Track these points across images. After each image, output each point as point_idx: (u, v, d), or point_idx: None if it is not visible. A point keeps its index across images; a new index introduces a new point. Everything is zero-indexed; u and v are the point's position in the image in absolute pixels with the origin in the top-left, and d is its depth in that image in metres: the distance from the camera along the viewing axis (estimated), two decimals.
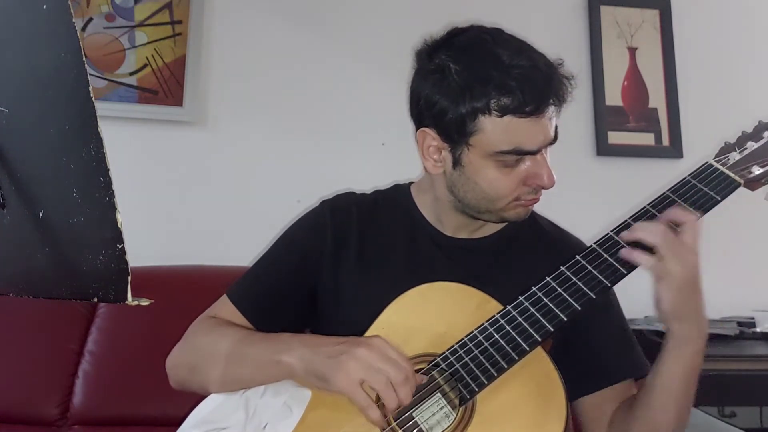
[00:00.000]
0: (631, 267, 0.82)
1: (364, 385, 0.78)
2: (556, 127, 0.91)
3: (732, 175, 0.84)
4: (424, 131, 0.93)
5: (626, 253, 0.80)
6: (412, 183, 1.08)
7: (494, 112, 0.85)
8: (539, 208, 1.10)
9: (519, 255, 1.01)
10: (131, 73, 1.94)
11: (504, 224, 1.02)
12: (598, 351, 0.95)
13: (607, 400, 0.94)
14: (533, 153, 0.88)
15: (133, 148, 1.91)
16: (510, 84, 0.84)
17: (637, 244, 0.80)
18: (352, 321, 0.92)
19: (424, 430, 0.81)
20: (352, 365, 0.78)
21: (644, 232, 0.79)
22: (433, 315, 0.89)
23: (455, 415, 0.81)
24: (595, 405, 0.95)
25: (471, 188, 0.92)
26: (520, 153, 0.87)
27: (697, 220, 0.80)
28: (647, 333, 1.84)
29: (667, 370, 0.84)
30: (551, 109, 0.87)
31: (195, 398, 0.93)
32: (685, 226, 0.79)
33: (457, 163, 0.91)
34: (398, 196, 1.07)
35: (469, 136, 0.88)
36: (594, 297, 0.81)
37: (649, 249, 0.79)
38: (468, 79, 0.86)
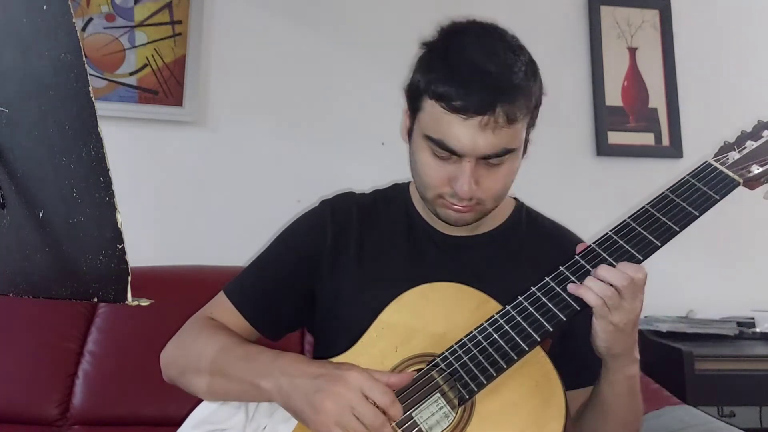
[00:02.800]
0: None
1: (340, 427, 0.76)
2: (508, 149, 0.87)
3: (731, 174, 0.84)
4: (405, 110, 0.98)
5: (574, 288, 0.81)
6: (410, 182, 1.08)
7: (432, 95, 0.88)
8: (539, 207, 1.10)
9: (516, 250, 1.02)
10: (131, 73, 1.94)
11: (502, 221, 1.03)
12: (584, 351, 0.95)
13: (578, 400, 0.96)
14: (456, 154, 0.87)
15: (133, 148, 1.91)
16: (453, 76, 0.86)
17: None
18: (351, 321, 0.92)
19: (423, 430, 0.81)
20: (328, 407, 0.76)
21: (606, 276, 0.79)
22: (432, 315, 0.89)
23: (454, 415, 0.81)
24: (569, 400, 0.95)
25: (413, 167, 0.96)
26: (444, 147, 0.88)
27: (642, 268, 0.80)
28: (647, 333, 1.84)
29: (606, 393, 0.89)
30: (486, 119, 0.84)
31: (194, 398, 0.93)
32: (638, 281, 0.79)
33: (410, 136, 0.96)
34: (397, 195, 1.08)
35: (417, 112, 0.92)
36: None
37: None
38: (430, 59, 0.91)
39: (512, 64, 0.87)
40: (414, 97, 0.92)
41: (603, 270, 0.80)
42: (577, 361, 0.92)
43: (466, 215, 0.93)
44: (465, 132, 0.85)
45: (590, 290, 0.79)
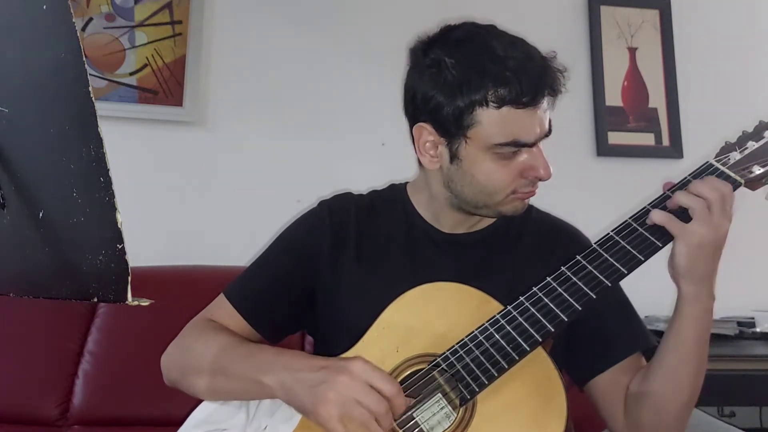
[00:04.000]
0: (631, 267, 0.82)
1: (344, 418, 0.76)
2: (550, 121, 0.92)
3: (732, 174, 0.84)
4: (421, 126, 0.93)
5: (673, 199, 0.81)
6: (407, 183, 1.08)
7: (492, 103, 0.86)
8: (539, 207, 1.10)
9: (516, 245, 1.02)
10: (131, 73, 1.94)
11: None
12: (602, 330, 0.95)
13: (620, 377, 0.94)
14: (530, 145, 0.89)
15: (133, 148, 1.91)
16: (506, 75, 0.85)
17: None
18: (352, 321, 0.92)
19: (424, 430, 0.81)
20: (332, 398, 0.76)
21: (685, 197, 0.80)
22: (433, 315, 0.89)
23: (456, 415, 0.81)
24: (609, 384, 0.94)
25: (468, 182, 0.92)
26: (518, 145, 0.88)
27: (729, 186, 0.81)
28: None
29: (678, 330, 0.86)
30: (546, 100, 0.89)
31: (195, 398, 0.93)
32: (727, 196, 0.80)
33: (454, 157, 0.91)
34: (395, 195, 1.08)
35: (467, 129, 0.88)
36: (594, 297, 0.81)
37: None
38: (464, 72, 0.87)
39: (528, 44, 0.90)
40: (457, 119, 0.88)
41: (696, 184, 0.81)
42: (614, 333, 0.93)
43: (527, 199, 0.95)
44: (535, 121, 0.88)
45: (690, 195, 0.80)
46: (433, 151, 0.94)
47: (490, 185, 0.91)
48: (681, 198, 0.81)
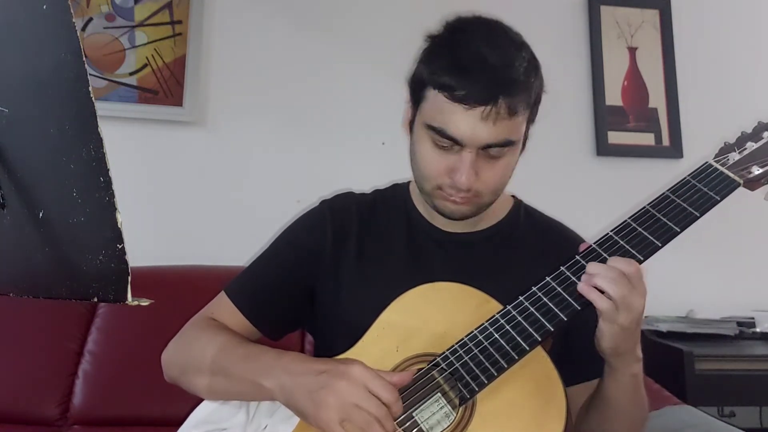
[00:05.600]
0: None
1: (345, 423, 0.76)
2: (510, 140, 0.88)
3: (732, 175, 0.84)
4: (407, 101, 0.98)
5: (584, 289, 0.79)
6: (410, 182, 1.09)
7: (435, 84, 0.89)
8: (539, 207, 1.10)
9: (515, 245, 1.02)
10: (131, 73, 1.94)
11: (501, 217, 1.03)
12: (589, 344, 0.95)
13: (582, 395, 0.96)
14: (458, 143, 0.88)
15: (133, 148, 1.91)
16: (456, 67, 0.87)
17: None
18: (352, 320, 0.92)
19: (424, 429, 0.81)
20: (332, 403, 0.76)
21: (602, 280, 0.78)
22: (433, 315, 0.89)
23: (455, 414, 0.81)
24: (573, 396, 0.94)
25: (413, 158, 0.96)
26: (445, 135, 0.88)
27: (639, 266, 0.80)
28: (647, 333, 1.84)
29: (611, 392, 0.88)
30: (488, 110, 0.85)
31: (195, 398, 0.93)
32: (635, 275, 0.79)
33: (411, 127, 0.97)
34: (396, 195, 1.08)
35: (419, 102, 0.93)
36: None
37: None
38: (434, 50, 0.92)
39: (514, 58, 0.88)
40: (417, 87, 0.93)
41: (599, 279, 0.78)
42: (582, 355, 0.92)
43: (463, 207, 0.94)
44: (466, 121, 0.87)
45: (599, 294, 0.78)
46: (406, 124, 0.99)
47: (422, 167, 0.94)
48: (589, 294, 0.79)
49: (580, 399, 0.96)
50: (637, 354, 0.85)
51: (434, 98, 0.89)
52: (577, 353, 0.92)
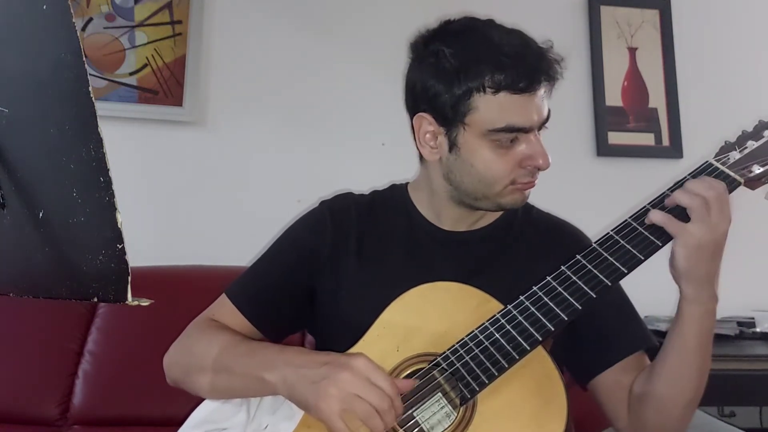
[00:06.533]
0: (631, 266, 0.82)
1: (346, 414, 0.77)
2: (549, 110, 0.92)
3: (732, 174, 0.84)
4: (421, 116, 0.94)
5: (674, 196, 0.81)
6: (408, 182, 1.09)
7: (488, 89, 0.87)
8: (539, 207, 1.10)
9: (517, 242, 1.02)
10: (131, 73, 1.94)
11: (500, 214, 1.03)
12: (602, 330, 0.95)
13: (621, 376, 0.94)
14: (526, 131, 0.89)
15: (133, 148, 1.91)
16: (503, 61, 0.86)
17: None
18: (352, 320, 0.92)
19: (424, 429, 0.81)
20: (333, 393, 0.77)
21: (695, 184, 0.80)
22: (433, 314, 0.89)
23: (456, 414, 0.81)
24: (610, 383, 0.94)
25: (467, 172, 0.92)
26: (513, 130, 0.88)
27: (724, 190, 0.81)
28: None
29: (680, 331, 0.85)
30: (543, 87, 0.89)
31: (195, 398, 0.93)
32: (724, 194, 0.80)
33: (453, 146, 0.92)
34: (395, 195, 1.08)
35: (464, 116, 0.89)
36: (594, 296, 0.81)
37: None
38: (462, 60, 0.88)
39: (525, 34, 0.91)
40: (455, 106, 0.89)
41: (692, 183, 0.81)
42: (618, 331, 0.93)
43: (530, 189, 0.95)
44: (531, 107, 0.88)
45: (690, 195, 0.80)
46: (433, 142, 0.94)
47: (489, 174, 0.91)
48: (678, 196, 0.81)
49: (624, 381, 0.93)
50: (715, 290, 0.83)
51: (490, 102, 0.87)
52: (612, 330, 0.93)
